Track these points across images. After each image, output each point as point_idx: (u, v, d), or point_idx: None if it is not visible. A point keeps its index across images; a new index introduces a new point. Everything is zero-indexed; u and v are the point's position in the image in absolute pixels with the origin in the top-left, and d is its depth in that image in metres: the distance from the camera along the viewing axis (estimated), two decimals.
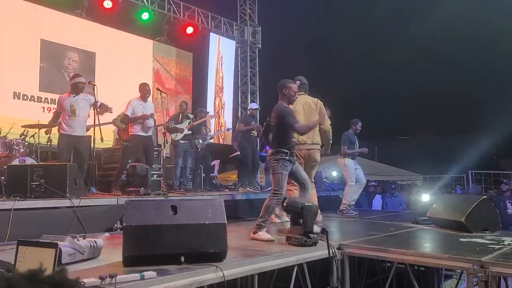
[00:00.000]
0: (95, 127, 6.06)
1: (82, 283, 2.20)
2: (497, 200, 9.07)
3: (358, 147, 7.54)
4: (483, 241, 4.19)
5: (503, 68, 16.49)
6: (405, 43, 18.26)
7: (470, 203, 4.90)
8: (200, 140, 8.15)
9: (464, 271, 3.37)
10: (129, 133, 6.62)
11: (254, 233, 4.22)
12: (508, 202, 9.30)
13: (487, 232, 4.71)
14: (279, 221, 5.56)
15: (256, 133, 8.22)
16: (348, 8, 18.09)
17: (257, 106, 9.01)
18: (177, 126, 7.77)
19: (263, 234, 4.20)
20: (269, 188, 8.33)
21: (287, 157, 4.33)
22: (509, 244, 3.92)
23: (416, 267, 4.78)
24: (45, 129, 6.50)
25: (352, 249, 3.90)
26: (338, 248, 3.84)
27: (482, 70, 18.35)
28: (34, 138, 6.73)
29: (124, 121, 6.68)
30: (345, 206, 7.10)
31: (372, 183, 11.73)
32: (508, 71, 16.63)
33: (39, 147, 6.70)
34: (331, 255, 3.62)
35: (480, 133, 19.25)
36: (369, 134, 9.79)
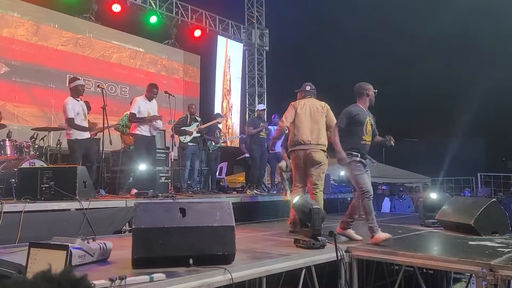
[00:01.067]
0: (104, 130, 6.11)
1: (92, 285, 2.22)
2: (506, 203, 8.99)
3: None
4: (492, 244, 4.16)
5: None
6: (409, 43, 18.17)
7: (479, 206, 4.88)
8: (212, 143, 8.27)
9: (473, 275, 3.35)
10: (133, 133, 6.41)
11: (372, 237, 4.11)
12: None
13: (496, 235, 4.68)
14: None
15: (265, 134, 8.22)
16: (351, 10, 18.04)
17: (264, 107, 9.03)
18: (186, 128, 7.80)
19: (380, 235, 4.10)
20: (274, 191, 8.43)
21: (358, 158, 4.31)
22: None
23: (424, 270, 4.76)
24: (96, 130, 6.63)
25: (360, 252, 3.90)
26: (346, 251, 3.84)
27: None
28: (43, 141, 6.79)
29: (132, 119, 6.36)
30: None
31: (384, 187, 11.65)
32: None
33: (49, 150, 6.76)
34: (339, 258, 3.63)
35: (489, 135, 19.12)
36: None
